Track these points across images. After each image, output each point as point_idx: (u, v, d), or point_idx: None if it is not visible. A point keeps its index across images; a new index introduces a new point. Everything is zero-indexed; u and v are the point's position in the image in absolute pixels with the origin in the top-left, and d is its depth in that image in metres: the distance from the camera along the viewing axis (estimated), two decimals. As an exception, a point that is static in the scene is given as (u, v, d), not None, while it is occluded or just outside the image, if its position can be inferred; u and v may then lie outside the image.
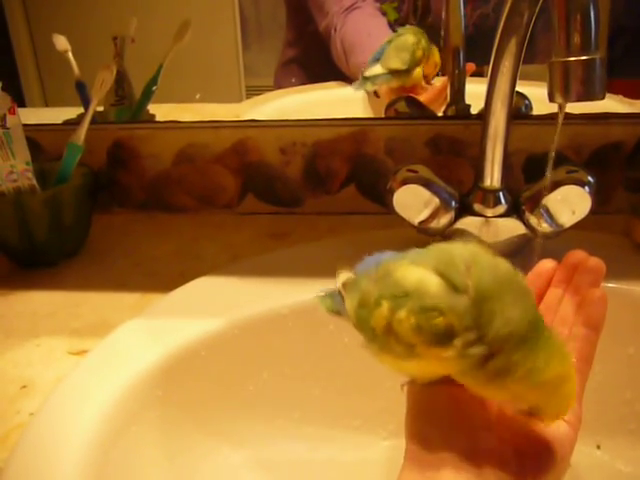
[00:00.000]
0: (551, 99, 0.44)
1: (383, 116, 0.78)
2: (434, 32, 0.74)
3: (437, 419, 0.36)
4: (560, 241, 0.58)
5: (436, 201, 0.58)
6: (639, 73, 0.75)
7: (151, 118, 0.81)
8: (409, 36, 0.74)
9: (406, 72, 0.75)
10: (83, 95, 0.79)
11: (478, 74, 0.73)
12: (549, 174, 0.50)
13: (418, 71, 0.75)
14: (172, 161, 0.77)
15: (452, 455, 0.34)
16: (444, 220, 0.59)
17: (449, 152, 0.72)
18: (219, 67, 0.83)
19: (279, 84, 0.83)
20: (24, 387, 0.49)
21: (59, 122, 0.81)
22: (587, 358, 0.39)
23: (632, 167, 0.70)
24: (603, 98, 0.43)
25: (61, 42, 0.79)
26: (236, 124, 0.76)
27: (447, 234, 0.60)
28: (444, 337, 0.32)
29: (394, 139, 0.72)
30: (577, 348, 0.39)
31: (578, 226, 0.58)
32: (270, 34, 0.82)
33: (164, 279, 0.63)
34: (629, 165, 0.70)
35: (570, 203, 0.56)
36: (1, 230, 0.65)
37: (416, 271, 0.34)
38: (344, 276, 0.41)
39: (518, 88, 0.67)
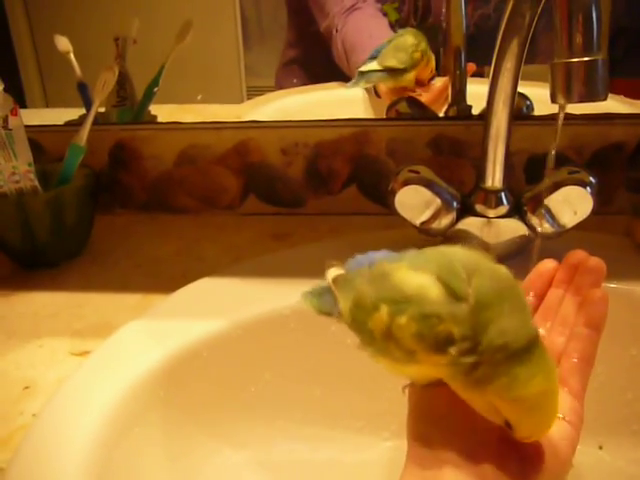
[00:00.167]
0: (553, 100, 0.44)
1: (384, 117, 0.78)
2: (435, 33, 0.74)
3: (438, 420, 0.36)
4: (562, 241, 0.58)
5: (438, 202, 0.58)
6: (639, 73, 0.75)
7: (153, 119, 0.81)
8: (409, 37, 0.74)
9: (400, 72, 0.75)
10: (85, 96, 0.79)
11: (479, 74, 0.74)
12: (548, 175, 0.50)
13: (411, 74, 0.75)
14: (174, 162, 0.77)
15: (453, 455, 0.34)
16: (446, 221, 0.59)
17: (450, 153, 0.72)
18: (220, 68, 0.83)
19: (280, 85, 0.83)
20: (27, 388, 0.49)
21: (61, 123, 0.81)
22: (588, 358, 0.39)
23: (633, 167, 0.70)
24: (605, 99, 0.43)
25: (63, 43, 0.79)
26: (238, 125, 0.76)
27: (449, 235, 0.60)
28: (444, 344, 0.32)
29: (396, 140, 0.72)
30: (578, 348, 0.39)
31: (580, 227, 0.58)
32: (271, 35, 0.82)
33: (166, 280, 0.63)
34: (630, 165, 0.70)
35: (572, 204, 0.56)
36: (3, 231, 0.65)
37: (416, 276, 0.34)
38: (334, 272, 0.41)
39: (520, 88, 0.67)
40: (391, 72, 0.75)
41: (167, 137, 0.76)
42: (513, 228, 0.59)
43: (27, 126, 0.64)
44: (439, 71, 0.75)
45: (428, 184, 0.58)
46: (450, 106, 0.75)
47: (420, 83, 0.76)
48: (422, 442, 0.36)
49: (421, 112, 0.77)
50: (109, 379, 0.48)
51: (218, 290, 0.58)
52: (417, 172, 0.59)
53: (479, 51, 0.72)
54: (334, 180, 0.75)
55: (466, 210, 0.59)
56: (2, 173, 0.63)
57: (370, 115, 0.79)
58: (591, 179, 0.56)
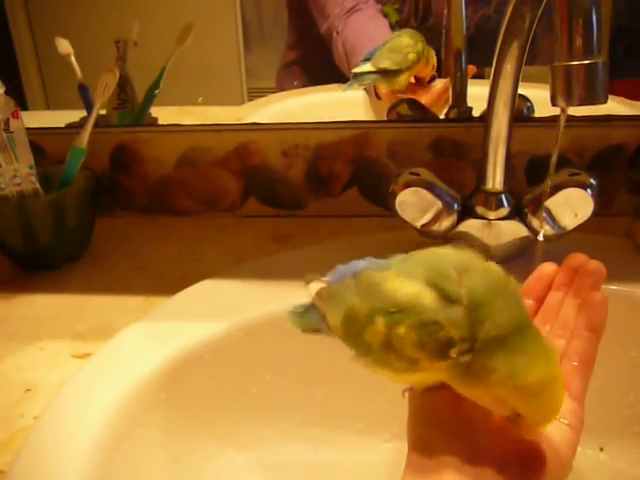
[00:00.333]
0: (554, 103, 0.44)
1: (385, 119, 0.78)
2: (435, 34, 0.74)
3: (439, 423, 0.36)
4: (562, 243, 0.58)
5: (438, 204, 0.58)
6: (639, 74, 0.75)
7: (153, 121, 0.81)
8: (405, 38, 0.74)
9: (394, 74, 0.74)
10: (86, 98, 0.79)
11: (480, 76, 0.74)
12: (550, 178, 0.50)
13: (405, 76, 0.74)
14: (174, 164, 0.77)
15: (453, 460, 0.34)
16: (446, 223, 0.59)
17: (451, 155, 0.72)
18: (221, 70, 0.83)
19: (281, 86, 0.83)
20: (28, 391, 0.49)
21: (62, 126, 0.81)
22: (589, 361, 0.39)
23: (634, 169, 0.70)
24: (605, 102, 0.43)
25: (64, 45, 0.79)
26: (238, 127, 0.76)
27: (450, 237, 0.60)
28: (445, 349, 0.32)
29: (396, 142, 0.72)
30: (579, 351, 0.39)
31: (580, 228, 0.58)
32: (272, 36, 0.82)
33: (167, 282, 0.63)
34: (631, 167, 0.70)
35: (572, 206, 0.56)
36: (5, 234, 0.65)
37: (407, 284, 0.34)
38: (316, 286, 0.40)
39: (520, 90, 0.67)
40: (384, 74, 0.75)
41: (168, 139, 0.76)
42: (514, 230, 0.59)
43: (28, 129, 0.64)
44: (440, 73, 0.75)
45: (429, 186, 0.58)
46: (451, 108, 0.75)
47: (420, 82, 0.76)
48: (422, 446, 0.36)
49: (422, 114, 0.77)
50: (110, 381, 0.48)
51: (219, 292, 0.59)
52: (418, 174, 0.59)
53: (480, 53, 0.72)
54: (335, 182, 0.75)
55: (467, 212, 0.59)
56: (3, 176, 0.63)
57: (371, 117, 0.79)
58: (592, 181, 0.56)
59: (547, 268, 0.43)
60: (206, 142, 0.76)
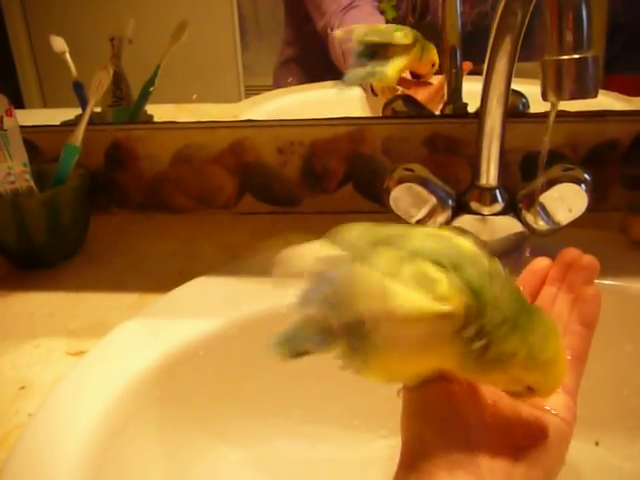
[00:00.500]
0: (544, 97, 0.44)
1: (380, 115, 0.78)
2: (433, 31, 0.74)
3: (431, 418, 0.36)
4: (557, 238, 0.58)
5: (433, 200, 0.58)
6: (637, 69, 0.75)
7: (149, 119, 0.81)
8: (393, 27, 0.74)
9: (379, 58, 0.73)
10: (81, 96, 0.79)
11: (476, 73, 0.73)
12: (541, 173, 0.50)
13: (394, 67, 0.74)
14: (170, 162, 0.77)
15: (447, 453, 0.34)
16: (441, 219, 0.59)
17: (446, 151, 0.72)
18: (218, 67, 0.83)
19: (278, 83, 0.83)
20: (23, 388, 0.49)
21: (57, 123, 0.81)
22: (581, 355, 0.39)
23: (628, 164, 0.70)
24: (596, 96, 0.43)
25: (58, 43, 0.79)
26: (233, 124, 0.76)
27: (444, 233, 0.60)
28: (442, 295, 0.32)
29: (391, 138, 0.72)
30: (572, 346, 0.39)
31: (575, 224, 0.58)
32: (269, 33, 0.82)
33: (162, 279, 0.63)
34: (625, 162, 0.70)
35: (566, 201, 0.56)
36: (-1, 231, 0.65)
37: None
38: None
39: (515, 86, 0.67)
40: (370, 58, 0.74)
41: (163, 137, 0.76)
42: (508, 225, 0.59)
43: (23, 126, 0.64)
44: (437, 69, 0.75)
45: (423, 182, 0.58)
46: (446, 104, 0.75)
47: (425, 77, 0.76)
48: (415, 442, 0.36)
49: (417, 110, 0.77)
50: (105, 378, 0.48)
51: (214, 289, 0.59)
52: (412, 170, 0.59)
53: (477, 49, 0.72)
54: (330, 179, 0.75)
55: (461, 208, 0.59)
56: (-3, 174, 0.64)
57: (367, 113, 0.79)
58: (586, 176, 0.56)
59: (541, 263, 0.44)
60: (201, 139, 0.76)
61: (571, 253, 0.42)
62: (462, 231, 0.58)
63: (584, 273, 0.41)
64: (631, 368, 0.56)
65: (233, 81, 0.82)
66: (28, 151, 0.65)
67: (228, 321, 0.54)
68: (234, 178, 0.77)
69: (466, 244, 0.35)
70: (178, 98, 0.82)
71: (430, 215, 0.59)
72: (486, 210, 0.58)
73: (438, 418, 0.36)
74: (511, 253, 0.59)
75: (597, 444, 0.57)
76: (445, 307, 0.32)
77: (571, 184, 0.56)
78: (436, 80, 0.76)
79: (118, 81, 0.79)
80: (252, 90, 0.83)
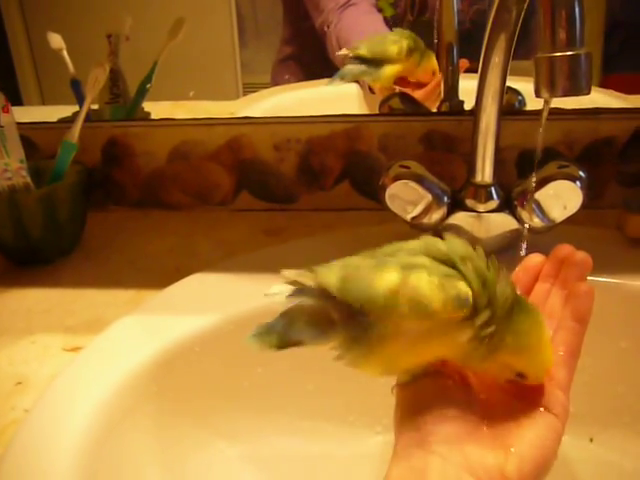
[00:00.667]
0: (537, 94, 0.44)
1: (377, 112, 0.78)
2: (431, 28, 0.74)
3: (426, 410, 0.37)
4: (553, 235, 0.58)
5: (428, 197, 0.58)
6: (635, 68, 0.75)
7: (146, 116, 0.81)
8: (393, 35, 0.74)
9: (375, 66, 0.74)
10: (78, 93, 0.79)
11: (473, 70, 0.73)
12: (535, 170, 0.50)
13: (389, 70, 0.74)
14: (166, 158, 0.77)
15: (439, 445, 0.35)
16: (436, 215, 0.59)
17: (442, 148, 0.72)
18: (216, 64, 0.83)
19: (276, 81, 0.84)
20: (19, 384, 0.49)
21: (54, 120, 0.81)
22: (574, 351, 0.39)
23: (624, 161, 0.70)
24: (589, 93, 0.43)
25: (56, 40, 0.79)
26: (230, 121, 0.76)
27: (440, 229, 0.60)
28: (463, 299, 0.34)
29: (388, 135, 0.73)
30: (565, 341, 0.39)
31: (571, 221, 0.58)
32: (267, 31, 0.82)
33: (159, 276, 0.63)
34: (621, 160, 0.70)
35: (561, 198, 0.56)
36: (-4, 228, 0.65)
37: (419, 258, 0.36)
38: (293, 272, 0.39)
39: (512, 84, 0.67)
40: (366, 68, 0.75)
41: (160, 134, 0.76)
42: (503, 222, 0.59)
43: (20, 123, 0.64)
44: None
45: (419, 179, 0.58)
46: (443, 102, 0.75)
47: (419, 85, 0.76)
48: (409, 433, 0.36)
49: (414, 108, 0.77)
50: (101, 374, 0.48)
51: (210, 285, 0.59)
52: (408, 167, 0.59)
53: (475, 47, 0.72)
54: (326, 176, 0.75)
55: (457, 205, 0.59)
56: (-6, 170, 0.64)
57: (365, 111, 0.79)
58: (581, 173, 0.56)
59: (534, 259, 0.44)
60: (198, 136, 0.76)
61: (564, 249, 0.42)
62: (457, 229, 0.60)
63: (577, 269, 0.41)
64: (626, 365, 0.56)
65: (231, 79, 0.82)
66: (25, 148, 0.65)
67: (224, 317, 0.54)
68: (231, 175, 0.77)
69: (459, 242, 0.36)
70: (176, 95, 0.82)
71: (425, 212, 0.59)
72: (481, 207, 0.58)
73: (432, 411, 0.36)
74: (506, 250, 0.60)
75: (592, 440, 0.57)
76: (464, 308, 0.34)
77: (566, 181, 0.56)
78: (432, 75, 0.76)
79: (115, 78, 0.79)
80: (250, 88, 0.83)
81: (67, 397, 0.46)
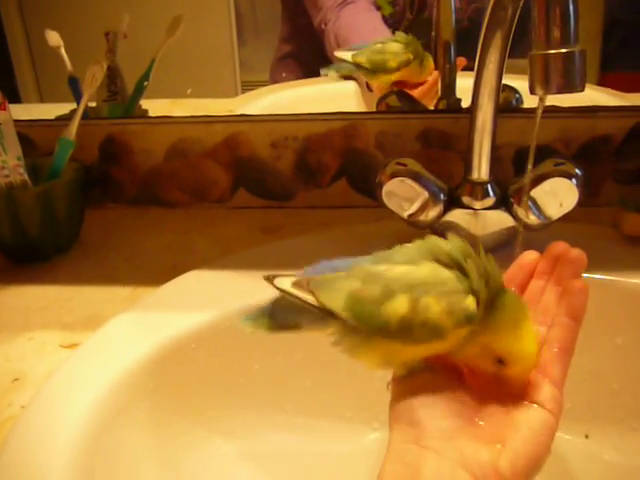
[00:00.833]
0: (532, 91, 0.45)
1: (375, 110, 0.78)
2: (431, 26, 0.74)
3: (419, 403, 0.37)
4: (549, 233, 0.58)
5: (425, 194, 0.59)
6: (634, 66, 0.76)
7: (144, 113, 0.81)
8: (396, 45, 0.74)
9: (371, 71, 0.75)
10: (76, 90, 0.79)
11: (470, 68, 0.74)
12: (530, 167, 0.50)
13: (386, 78, 0.75)
14: (164, 156, 0.77)
15: (433, 440, 0.35)
16: (433, 213, 0.59)
17: (439, 146, 0.72)
18: (214, 62, 0.83)
19: (275, 79, 0.84)
20: (16, 380, 0.50)
21: (52, 118, 0.81)
22: (568, 347, 0.39)
23: (621, 159, 0.71)
24: (583, 90, 0.43)
25: (53, 38, 0.79)
26: (227, 119, 0.76)
27: (436, 227, 0.60)
28: (472, 317, 0.35)
29: (385, 133, 0.73)
30: (559, 338, 0.39)
31: (568, 218, 0.58)
32: (266, 29, 0.82)
33: (156, 273, 0.63)
34: (618, 158, 0.71)
35: (557, 195, 0.57)
36: (-7, 225, 0.65)
37: (420, 265, 0.37)
38: (284, 280, 0.39)
39: (509, 82, 0.67)
40: (360, 67, 0.75)
41: (157, 131, 0.77)
42: (499, 220, 0.59)
43: (18, 121, 0.65)
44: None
45: (415, 176, 0.58)
46: (440, 99, 0.75)
47: (416, 83, 0.76)
48: (404, 428, 0.36)
49: (411, 106, 0.77)
50: (98, 371, 0.48)
51: (207, 282, 0.59)
52: (404, 165, 0.59)
53: (473, 45, 0.72)
54: (323, 173, 0.76)
55: (453, 202, 0.60)
56: (-8, 167, 0.64)
57: (362, 109, 0.80)
58: (577, 171, 0.56)
59: (529, 257, 0.44)
60: (195, 133, 0.76)
61: (559, 247, 0.42)
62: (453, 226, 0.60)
63: (572, 266, 0.41)
64: (621, 362, 0.56)
65: (229, 76, 0.83)
66: (23, 145, 0.65)
67: (221, 314, 0.54)
68: (228, 172, 0.77)
69: (461, 241, 0.37)
70: (175, 93, 0.82)
71: (422, 209, 0.59)
72: (478, 204, 0.58)
73: (427, 407, 0.37)
74: (502, 247, 0.60)
75: (587, 437, 0.58)
76: (472, 323, 0.35)
77: (562, 179, 0.56)
78: (430, 76, 0.76)
79: (113, 76, 0.79)
80: (249, 86, 0.83)
81: (64, 393, 0.46)
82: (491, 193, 0.58)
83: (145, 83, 0.78)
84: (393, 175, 0.58)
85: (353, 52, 0.75)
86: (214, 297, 0.56)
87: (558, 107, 0.68)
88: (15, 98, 0.84)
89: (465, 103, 0.74)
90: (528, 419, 0.37)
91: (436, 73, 0.75)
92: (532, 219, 0.58)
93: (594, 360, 0.56)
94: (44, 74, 0.85)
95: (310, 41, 0.80)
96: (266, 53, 0.83)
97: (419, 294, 0.35)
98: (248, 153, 0.76)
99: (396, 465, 0.35)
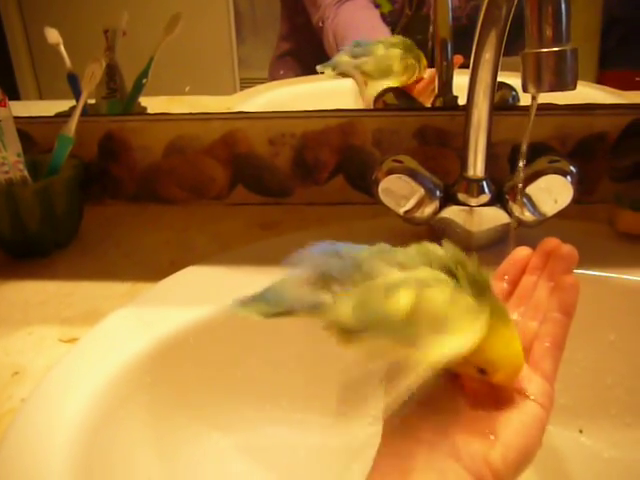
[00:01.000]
0: (525, 89, 0.45)
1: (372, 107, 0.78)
2: (430, 23, 0.74)
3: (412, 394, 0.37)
4: (544, 229, 0.58)
5: (421, 191, 0.59)
6: (632, 64, 0.76)
7: (143, 110, 0.81)
8: (397, 50, 0.75)
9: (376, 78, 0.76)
10: (75, 88, 0.79)
11: (468, 66, 0.74)
12: (523, 163, 0.51)
13: (385, 82, 0.76)
14: (162, 153, 0.78)
15: (426, 432, 0.35)
16: (429, 209, 0.60)
17: (436, 143, 0.73)
18: (213, 60, 0.83)
19: (273, 77, 0.84)
20: (16, 374, 0.50)
21: (51, 115, 0.81)
22: (559, 342, 0.40)
23: (616, 157, 0.71)
24: (574, 88, 0.44)
25: (53, 35, 0.80)
26: (225, 116, 0.76)
27: (432, 223, 0.61)
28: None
29: (381, 130, 0.73)
30: (550, 333, 0.40)
31: (563, 215, 0.58)
32: (265, 27, 0.83)
33: (155, 269, 0.63)
34: (614, 155, 0.71)
35: (552, 192, 0.57)
36: (-7, 221, 0.66)
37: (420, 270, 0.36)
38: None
39: (506, 80, 0.68)
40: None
41: (156, 128, 0.77)
42: (495, 216, 0.59)
43: (17, 117, 0.65)
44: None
45: (411, 173, 0.59)
46: (437, 97, 0.76)
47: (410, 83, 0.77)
48: (396, 421, 0.37)
49: (408, 103, 0.77)
50: (96, 365, 0.48)
51: (205, 278, 0.59)
52: (401, 162, 0.60)
53: (472, 43, 0.73)
54: (321, 170, 0.76)
55: (449, 199, 0.60)
56: (-8, 163, 0.64)
57: (360, 106, 0.80)
58: (571, 168, 0.57)
59: (521, 252, 0.44)
60: (194, 130, 0.76)
61: (551, 243, 0.42)
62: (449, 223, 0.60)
63: (563, 262, 0.41)
64: (614, 357, 0.57)
65: (228, 74, 0.83)
66: (23, 142, 0.65)
67: (218, 309, 0.54)
68: (226, 169, 0.78)
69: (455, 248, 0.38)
70: (174, 91, 0.82)
71: (418, 206, 0.60)
72: (473, 201, 0.59)
73: (419, 400, 0.37)
74: (498, 244, 0.60)
75: (581, 432, 0.58)
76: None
77: (557, 176, 0.56)
78: (427, 73, 0.76)
79: (112, 73, 0.79)
80: (247, 83, 0.83)
81: (63, 387, 0.47)
82: (486, 190, 0.59)
83: (144, 80, 0.79)
84: (389, 172, 0.59)
85: (358, 60, 0.76)
86: (212, 292, 0.57)
87: (554, 105, 0.68)
88: (15, 95, 0.85)
89: (462, 101, 0.74)
90: (520, 413, 0.37)
91: (433, 71, 0.76)
92: (527, 216, 0.58)
93: (588, 356, 0.56)
94: (43, 71, 0.86)
95: (309, 39, 0.81)
96: (265, 51, 0.84)
97: (423, 286, 0.35)
98: (246, 150, 0.76)
99: (389, 457, 0.36)
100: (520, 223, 0.59)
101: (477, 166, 0.58)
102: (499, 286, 0.44)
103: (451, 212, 0.60)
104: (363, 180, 0.75)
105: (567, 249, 0.41)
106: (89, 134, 0.77)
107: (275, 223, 0.72)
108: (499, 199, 0.59)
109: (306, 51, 0.82)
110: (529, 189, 0.57)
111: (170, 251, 0.67)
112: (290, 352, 0.57)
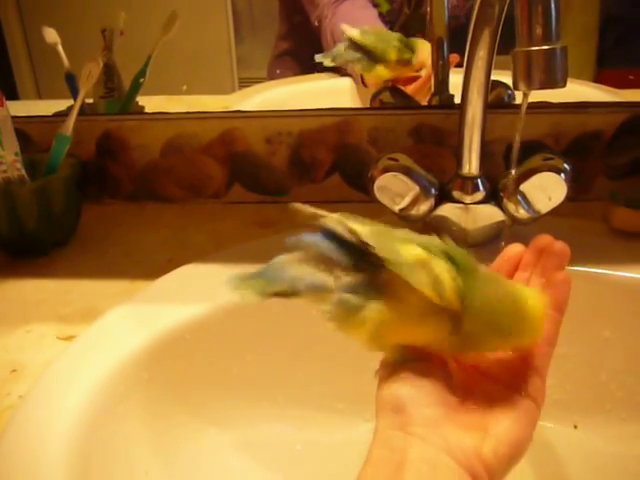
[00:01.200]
0: (515, 87, 0.45)
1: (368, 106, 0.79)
2: (427, 22, 0.74)
3: (406, 390, 0.37)
4: (539, 227, 0.59)
5: (416, 188, 0.59)
6: (630, 63, 0.76)
7: (140, 110, 0.81)
8: (399, 43, 0.75)
9: (367, 58, 0.76)
10: (72, 87, 0.80)
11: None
12: (516, 160, 0.51)
13: (381, 71, 0.76)
14: (160, 152, 0.78)
15: (419, 426, 0.36)
16: (424, 207, 0.60)
17: (432, 141, 0.73)
18: (212, 59, 0.83)
19: (272, 76, 0.84)
20: (14, 371, 0.50)
21: (49, 114, 0.81)
22: (551, 339, 0.40)
23: (612, 155, 0.71)
24: (564, 86, 0.44)
25: (51, 35, 0.80)
26: (223, 115, 0.77)
27: (427, 221, 0.61)
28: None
29: (377, 129, 0.73)
30: (542, 329, 0.40)
31: (558, 213, 0.59)
32: (263, 26, 0.83)
33: (152, 267, 0.64)
34: (609, 153, 0.71)
35: (546, 190, 0.57)
36: (-9, 220, 0.66)
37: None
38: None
39: (502, 78, 0.68)
40: (360, 53, 0.76)
41: (153, 127, 0.77)
42: (489, 214, 0.60)
43: (15, 117, 0.65)
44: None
45: (407, 171, 0.59)
46: (433, 96, 0.76)
47: (410, 79, 0.77)
48: (390, 415, 0.37)
49: (404, 101, 0.78)
50: (94, 362, 0.49)
51: (202, 275, 0.59)
52: (396, 160, 0.60)
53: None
54: (317, 169, 0.76)
55: (444, 197, 0.60)
56: (-10, 163, 0.65)
57: (357, 105, 0.80)
58: (565, 165, 0.57)
59: (514, 249, 0.45)
60: (191, 129, 0.77)
61: (543, 239, 0.43)
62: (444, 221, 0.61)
63: (555, 259, 0.42)
64: (609, 353, 0.57)
65: (227, 73, 0.83)
66: (20, 141, 0.66)
67: (214, 306, 0.55)
68: (224, 168, 0.78)
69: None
70: (172, 90, 0.83)
71: (413, 203, 0.60)
72: (468, 199, 0.59)
73: (413, 394, 0.37)
74: (492, 241, 0.61)
75: (576, 427, 0.58)
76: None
77: (550, 173, 0.57)
78: (423, 72, 0.77)
79: (110, 72, 0.80)
80: (246, 82, 0.84)
81: (61, 384, 0.47)
82: (481, 187, 0.59)
83: (141, 80, 0.79)
84: (385, 170, 0.59)
85: (361, 30, 0.76)
86: (209, 290, 0.57)
87: (549, 103, 0.68)
88: (13, 95, 0.85)
89: (458, 99, 0.74)
90: (511, 408, 0.38)
91: (429, 69, 0.76)
92: (521, 213, 0.58)
93: (583, 351, 0.57)
94: (41, 71, 0.86)
95: (307, 38, 0.81)
96: (263, 50, 0.84)
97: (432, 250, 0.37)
98: (243, 149, 0.76)
99: (382, 450, 0.36)
100: (514, 220, 0.59)
101: (472, 164, 0.58)
102: None
103: (446, 210, 0.60)
104: (359, 178, 0.76)
105: (559, 246, 0.42)
106: (87, 133, 0.77)
107: (272, 221, 0.73)
108: (494, 197, 0.60)
109: (304, 51, 0.82)
110: (523, 186, 0.57)
111: (168, 249, 0.68)
112: (287, 349, 0.58)
